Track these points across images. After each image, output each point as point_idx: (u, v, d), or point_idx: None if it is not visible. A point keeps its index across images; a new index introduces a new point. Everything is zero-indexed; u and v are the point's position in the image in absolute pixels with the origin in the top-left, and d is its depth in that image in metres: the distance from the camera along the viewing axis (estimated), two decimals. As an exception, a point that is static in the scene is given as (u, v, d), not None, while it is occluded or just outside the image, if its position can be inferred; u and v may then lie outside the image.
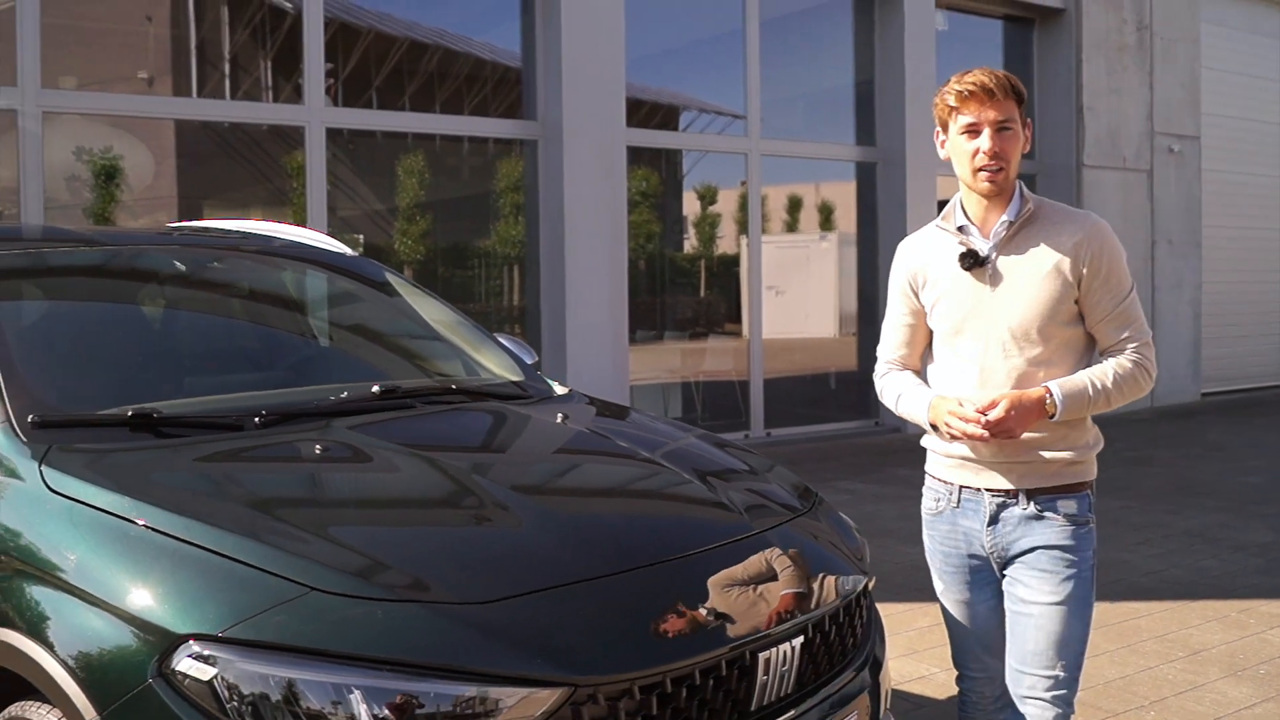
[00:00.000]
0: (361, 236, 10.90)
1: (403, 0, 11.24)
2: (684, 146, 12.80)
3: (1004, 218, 3.05)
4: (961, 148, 3.03)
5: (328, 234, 5.21)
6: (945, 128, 3.09)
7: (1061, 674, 3.02)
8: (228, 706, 2.25)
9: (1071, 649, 3.03)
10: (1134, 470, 10.23)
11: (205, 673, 2.27)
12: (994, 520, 3.08)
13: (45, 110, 8.72)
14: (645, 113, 12.26)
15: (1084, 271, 3.00)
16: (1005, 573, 3.11)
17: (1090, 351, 3.11)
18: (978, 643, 3.24)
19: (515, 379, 4.14)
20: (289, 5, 10.39)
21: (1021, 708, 3.08)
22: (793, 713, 2.72)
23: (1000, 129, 2.98)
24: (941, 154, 3.14)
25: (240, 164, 10.84)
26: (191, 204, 10.59)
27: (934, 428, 3.11)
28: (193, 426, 3.22)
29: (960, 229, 3.12)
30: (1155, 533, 7.83)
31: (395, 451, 3.18)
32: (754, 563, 2.80)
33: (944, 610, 3.31)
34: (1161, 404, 14.42)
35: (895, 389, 3.27)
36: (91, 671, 2.40)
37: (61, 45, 8.99)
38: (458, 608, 2.41)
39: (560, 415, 3.69)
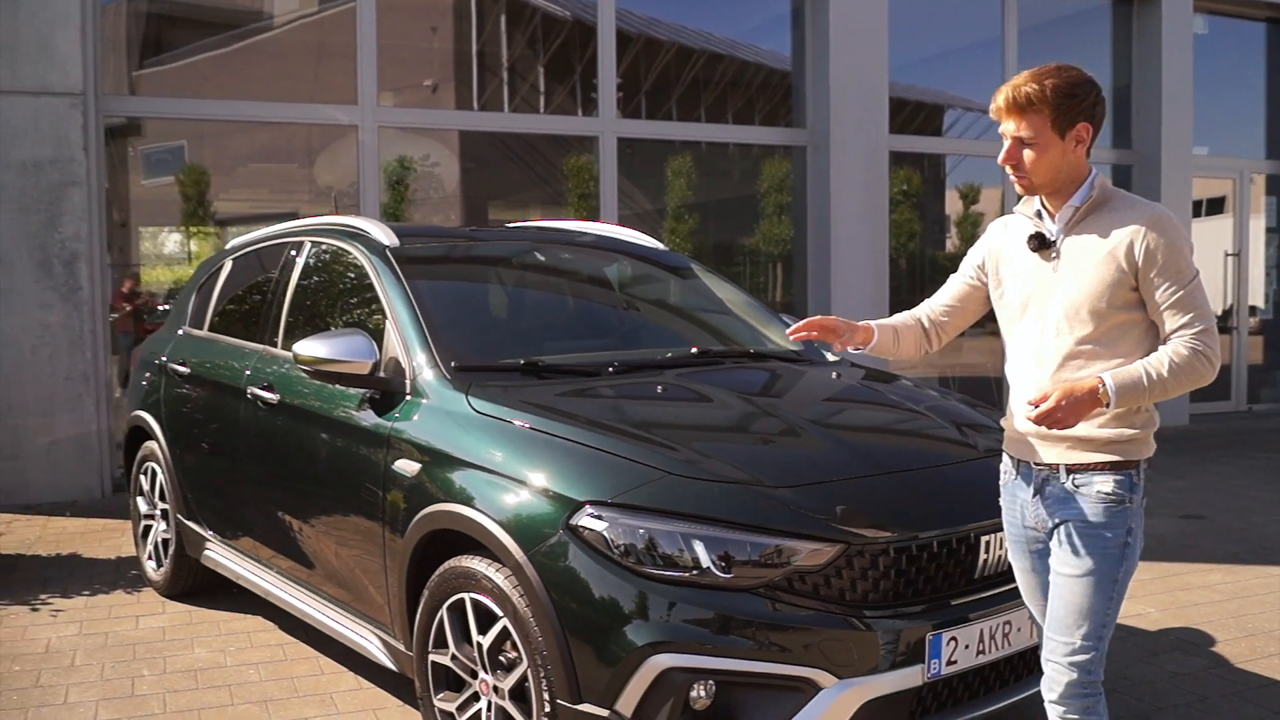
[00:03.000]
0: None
1: (677, 9, 12.15)
2: (943, 151, 13.37)
3: (1070, 203, 3.13)
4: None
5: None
6: None
7: (1079, 642, 3.08)
8: (613, 549, 3.34)
9: (1093, 620, 3.07)
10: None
11: (598, 526, 3.37)
12: (1039, 492, 3.18)
13: (381, 125, 10.18)
14: (909, 112, 12.85)
15: (1139, 259, 3.01)
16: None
17: (1151, 338, 3.10)
18: (1032, 606, 3.37)
19: (796, 348, 5.20)
20: (565, 14, 11.58)
21: (1044, 668, 3.18)
22: (1004, 588, 3.64)
23: (1021, 144, 3.10)
24: None
25: (520, 168, 11.98)
26: (477, 205, 11.88)
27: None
28: (566, 373, 4.42)
29: (1037, 214, 3.23)
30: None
31: (716, 391, 4.30)
32: (982, 477, 3.75)
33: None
34: None
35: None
36: (518, 527, 3.54)
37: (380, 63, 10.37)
38: (769, 489, 3.46)
39: (835, 374, 4.78)
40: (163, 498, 6.31)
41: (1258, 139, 14.77)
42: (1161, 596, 6.22)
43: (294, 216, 10.99)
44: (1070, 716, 3.11)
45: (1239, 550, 7.29)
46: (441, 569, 3.86)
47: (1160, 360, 2.99)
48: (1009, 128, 3.11)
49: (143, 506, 6.59)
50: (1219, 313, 14.39)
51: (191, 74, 10.40)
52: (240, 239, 6.53)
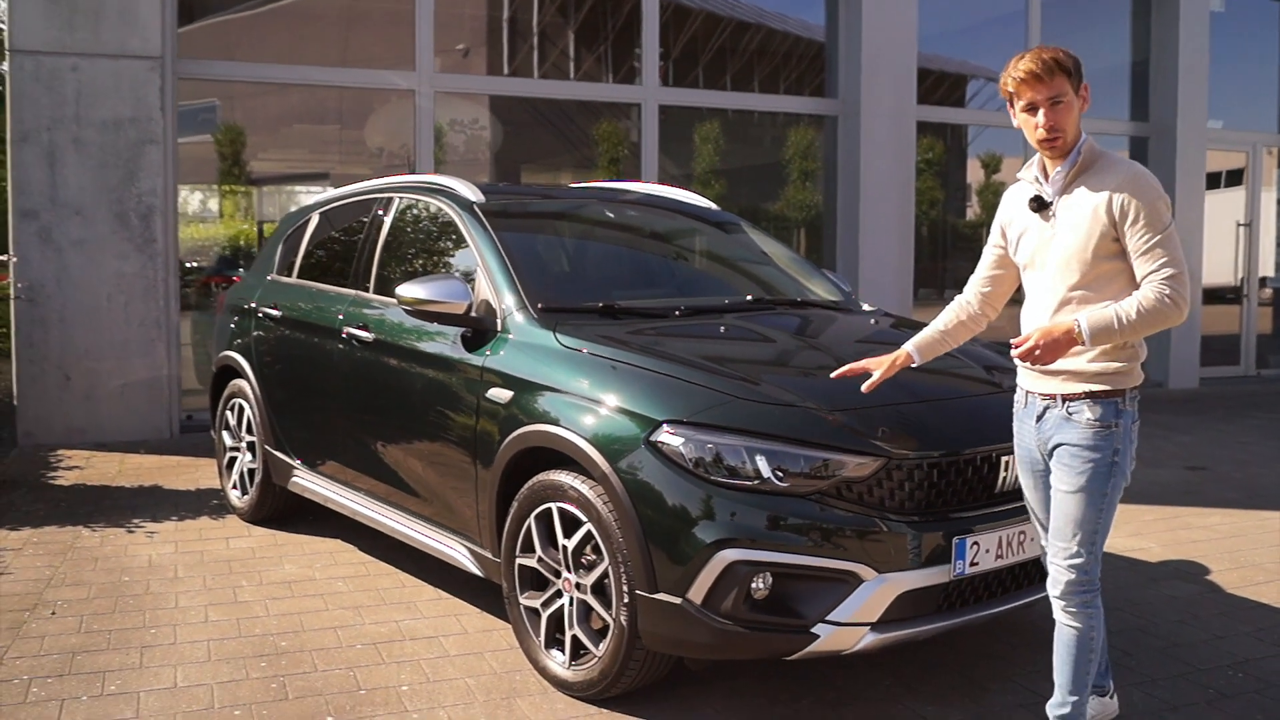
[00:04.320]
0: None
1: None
2: (969, 122, 13.81)
3: (1060, 168, 3.56)
4: (1026, 122, 3.56)
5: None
6: (1012, 103, 3.60)
7: (1075, 548, 3.55)
8: (687, 462, 3.91)
9: (1085, 529, 3.54)
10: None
11: (675, 442, 3.94)
12: (1040, 419, 3.65)
13: (437, 91, 10.73)
14: (932, 81, 13.23)
15: (1117, 214, 3.42)
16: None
17: (1135, 285, 3.48)
18: (1037, 519, 3.85)
19: (836, 299, 5.82)
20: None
21: (1049, 569, 3.66)
22: (1021, 502, 4.15)
23: (1053, 104, 3.47)
24: (1014, 123, 3.66)
25: (551, 132, 12.38)
26: (509, 167, 12.30)
27: None
28: (639, 315, 4.99)
29: (1036, 179, 3.65)
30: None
31: (771, 331, 4.89)
32: (1003, 408, 4.29)
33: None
34: None
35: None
36: (604, 443, 4.11)
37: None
38: (820, 412, 4.03)
39: (873, 320, 5.37)
40: (249, 431, 6.90)
41: (1270, 114, 15.26)
42: (1163, 535, 6.80)
43: (327, 176, 11.60)
44: (1071, 610, 3.64)
45: (1238, 497, 7.89)
46: (530, 482, 4.44)
47: (1131, 304, 3.39)
48: (1040, 94, 3.48)
49: (228, 440, 7.19)
50: (1230, 284, 14.92)
51: (225, 36, 10.79)
52: (324, 195, 7.11)
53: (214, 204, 10.98)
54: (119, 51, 9.16)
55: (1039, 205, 3.64)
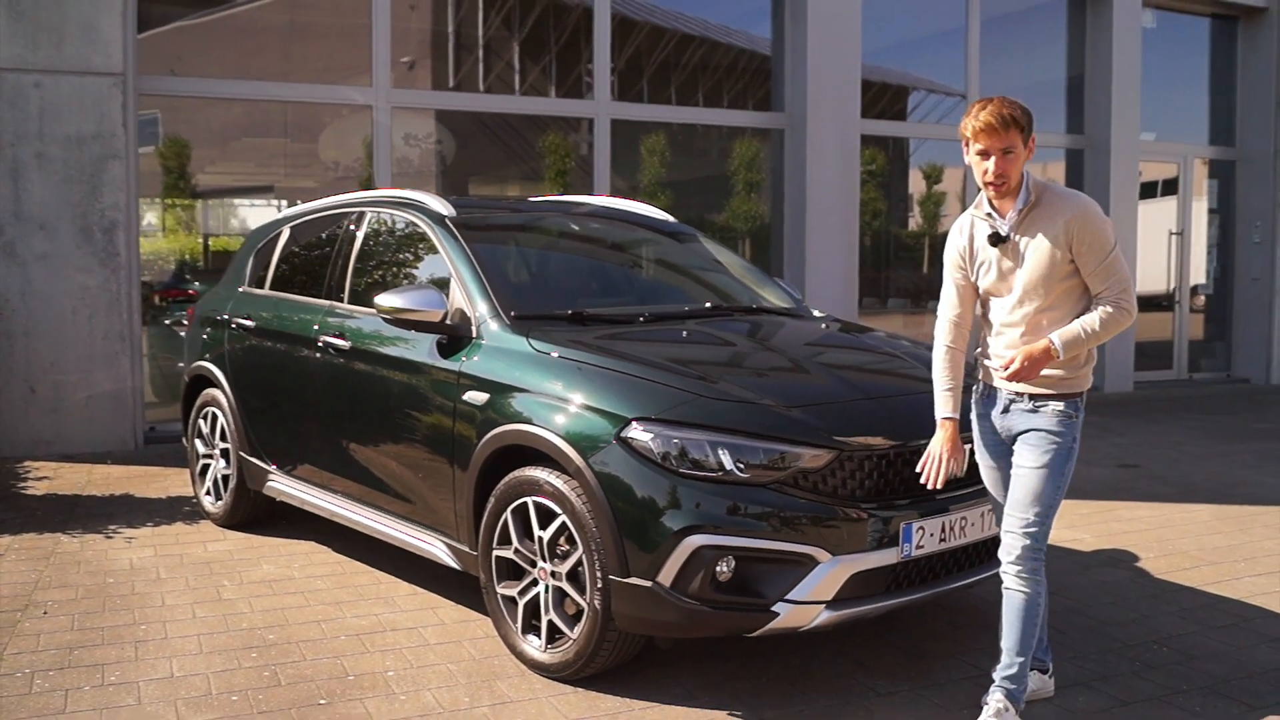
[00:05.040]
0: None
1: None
2: (911, 135, 14.20)
3: (1016, 207, 4.00)
4: (977, 164, 4.00)
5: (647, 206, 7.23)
6: (967, 144, 4.03)
7: (1032, 518, 4.01)
8: (655, 455, 4.22)
9: (1043, 503, 4.00)
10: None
11: (644, 438, 4.25)
12: (1006, 410, 4.12)
13: (394, 106, 10.97)
14: (875, 93, 13.53)
15: (1071, 241, 3.92)
16: (1013, 447, 4.15)
17: (1089, 295, 4.01)
18: (995, 495, 4.31)
19: (788, 305, 6.17)
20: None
21: (1002, 538, 4.11)
22: (962, 491, 4.56)
23: (1004, 154, 3.92)
24: (966, 160, 4.07)
25: (498, 145, 12.58)
26: (458, 180, 12.48)
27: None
28: (606, 321, 5.31)
29: (989, 215, 4.08)
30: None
31: (730, 335, 5.24)
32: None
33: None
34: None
35: (935, 377, 4.26)
36: (576, 440, 4.41)
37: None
38: (777, 408, 4.37)
39: (825, 324, 5.74)
40: (223, 438, 7.12)
41: (1201, 126, 15.83)
42: (1097, 526, 7.20)
43: (271, 189, 11.76)
44: (1023, 575, 4.07)
45: (1167, 492, 8.33)
46: (507, 479, 4.72)
47: (1092, 318, 3.93)
48: (995, 144, 3.92)
49: (200, 448, 7.40)
50: (1164, 290, 15.45)
51: (173, 47, 10.82)
52: (295, 209, 7.35)
53: (155, 217, 11.05)
54: (83, 69, 9.34)
55: (997, 240, 4.06)
